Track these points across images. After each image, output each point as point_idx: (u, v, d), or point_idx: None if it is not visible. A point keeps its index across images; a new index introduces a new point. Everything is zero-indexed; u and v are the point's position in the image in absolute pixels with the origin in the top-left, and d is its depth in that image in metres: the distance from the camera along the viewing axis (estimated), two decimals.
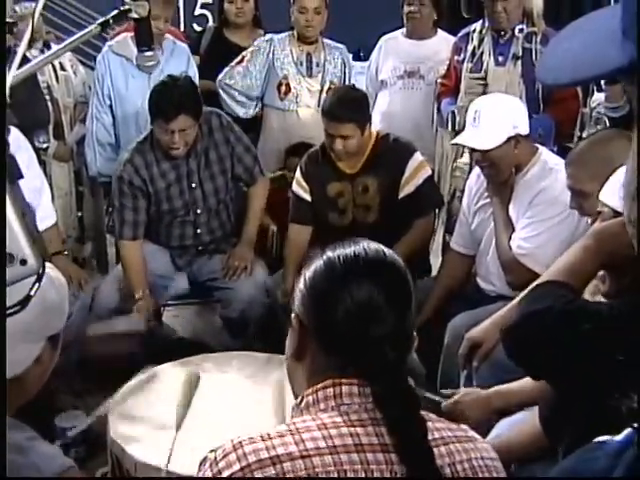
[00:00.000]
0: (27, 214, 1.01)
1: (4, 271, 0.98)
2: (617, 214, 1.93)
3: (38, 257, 1.01)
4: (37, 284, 1.06)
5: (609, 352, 1.68)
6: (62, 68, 4.64)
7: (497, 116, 3.19)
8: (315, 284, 1.40)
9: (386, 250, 1.43)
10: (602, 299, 2.02)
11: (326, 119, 3.62)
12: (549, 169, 3.15)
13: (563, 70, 0.85)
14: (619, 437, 0.94)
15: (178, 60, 4.37)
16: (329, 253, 1.42)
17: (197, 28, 6.81)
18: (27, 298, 1.07)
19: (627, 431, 0.94)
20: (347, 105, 3.61)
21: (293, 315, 1.42)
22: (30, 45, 3.16)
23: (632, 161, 0.79)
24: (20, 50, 1.91)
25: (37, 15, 2.12)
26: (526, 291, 1.96)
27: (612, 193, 2.03)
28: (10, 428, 1.57)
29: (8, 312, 1.07)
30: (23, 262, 0.99)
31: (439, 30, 4.67)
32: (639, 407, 1.54)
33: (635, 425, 0.93)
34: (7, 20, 4.23)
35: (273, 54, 4.43)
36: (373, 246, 1.42)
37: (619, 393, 1.65)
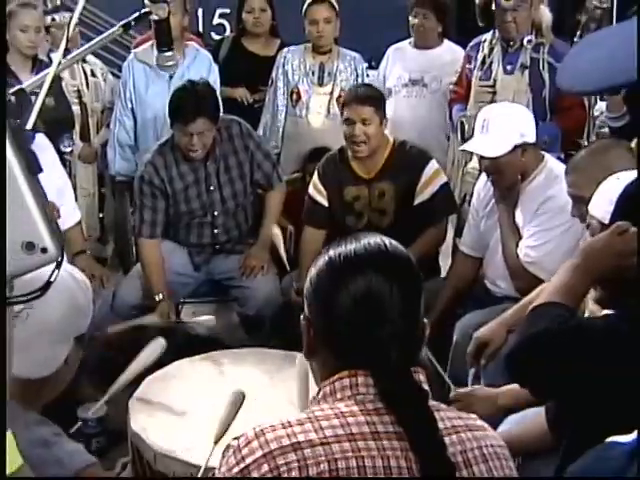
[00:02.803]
0: (46, 206, 1.06)
1: (4, 268, 1.02)
2: (604, 226, 1.97)
3: (57, 246, 1.05)
4: (56, 271, 1.09)
5: (609, 366, 1.72)
6: (93, 75, 4.80)
7: (505, 124, 3.24)
8: (317, 282, 1.42)
9: (389, 243, 1.42)
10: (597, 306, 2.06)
11: (347, 105, 3.72)
12: (555, 177, 3.17)
13: (589, 78, 0.86)
14: (633, 436, 0.96)
15: (199, 67, 4.46)
16: (331, 251, 1.43)
17: (215, 37, 6.82)
18: (47, 284, 1.11)
19: None
20: (366, 90, 3.85)
21: (302, 315, 1.45)
22: (65, 54, 3.21)
23: None
24: (56, 58, 1.99)
25: (73, 24, 2.20)
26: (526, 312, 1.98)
27: (598, 205, 2.08)
28: (37, 424, 1.65)
29: (29, 297, 1.10)
30: (43, 250, 1.04)
31: (445, 40, 4.73)
32: None
33: None
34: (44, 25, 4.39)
35: (287, 63, 4.54)
36: (376, 240, 1.42)
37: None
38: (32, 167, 1.06)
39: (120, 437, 2.86)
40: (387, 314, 1.36)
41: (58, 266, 1.11)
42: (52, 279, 1.13)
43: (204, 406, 2.77)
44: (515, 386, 2.47)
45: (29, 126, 1.43)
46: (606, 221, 1.96)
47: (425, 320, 1.43)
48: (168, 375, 3.00)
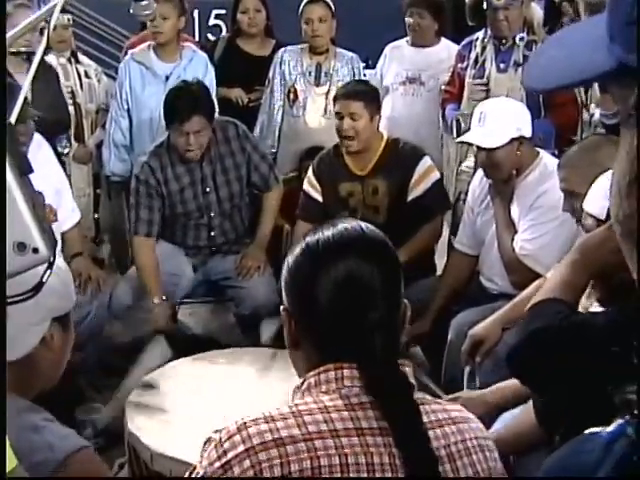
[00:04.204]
0: (37, 205, 1.05)
1: (4, 265, 1.01)
2: (600, 222, 1.98)
3: (49, 246, 1.05)
4: (48, 271, 1.09)
5: (607, 363, 1.69)
6: (87, 76, 4.82)
7: (502, 117, 3.27)
8: (296, 271, 1.40)
9: (366, 227, 1.41)
10: (596, 303, 2.06)
11: (337, 100, 3.76)
12: (549, 172, 3.18)
13: (550, 77, 0.84)
14: (610, 428, 0.92)
15: (196, 68, 4.46)
16: (308, 238, 1.40)
17: (211, 38, 6.80)
18: (40, 284, 1.11)
19: (618, 422, 0.92)
20: (357, 85, 3.90)
21: (282, 307, 1.41)
22: (46, 52, 3.22)
23: (620, 161, 0.80)
24: (37, 55, 1.99)
25: (52, 24, 2.18)
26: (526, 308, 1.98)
27: (594, 202, 2.09)
28: (26, 410, 1.62)
29: (23, 297, 1.10)
30: (35, 250, 1.03)
31: (442, 38, 4.75)
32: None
33: (628, 416, 0.91)
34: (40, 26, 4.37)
35: (284, 63, 4.55)
36: (352, 224, 1.40)
37: (613, 385, 1.71)
38: (22, 167, 1.06)
39: (117, 438, 2.88)
40: (370, 298, 1.34)
41: (50, 266, 1.10)
42: (44, 279, 1.12)
43: (200, 406, 2.78)
44: (504, 384, 2.49)
45: (13, 117, 1.41)
46: (602, 217, 1.98)
47: (405, 301, 1.41)
48: (164, 375, 3.02)
